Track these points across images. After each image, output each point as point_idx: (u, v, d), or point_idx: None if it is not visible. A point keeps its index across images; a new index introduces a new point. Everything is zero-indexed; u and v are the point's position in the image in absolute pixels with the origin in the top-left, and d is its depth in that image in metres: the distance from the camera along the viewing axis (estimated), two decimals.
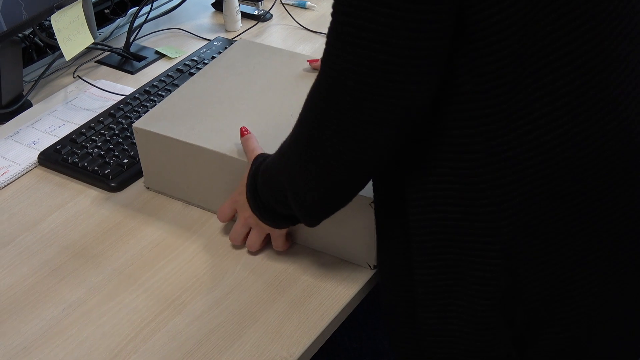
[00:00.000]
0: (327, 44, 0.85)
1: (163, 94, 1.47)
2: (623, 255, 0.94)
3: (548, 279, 0.92)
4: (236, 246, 1.17)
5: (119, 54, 1.64)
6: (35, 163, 1.35)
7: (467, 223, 0.91)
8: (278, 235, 1.13)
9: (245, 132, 1.15)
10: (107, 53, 1.65)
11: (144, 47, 1.67)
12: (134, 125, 1.22)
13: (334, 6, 0.83)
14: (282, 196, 1.00)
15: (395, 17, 0.79)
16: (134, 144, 1.33)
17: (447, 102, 0.87)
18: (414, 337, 1.02)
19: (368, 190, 1.03)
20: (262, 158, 1.07)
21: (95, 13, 1.61)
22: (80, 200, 1.27)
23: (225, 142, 1.16)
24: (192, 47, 1.66)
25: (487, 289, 0.92)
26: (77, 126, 1.42)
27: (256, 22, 1.74)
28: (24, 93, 1.51)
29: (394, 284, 1.02)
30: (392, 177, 0.97)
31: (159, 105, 1.25)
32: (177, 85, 1.49)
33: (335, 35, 0.83)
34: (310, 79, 1.26)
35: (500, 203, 0.89)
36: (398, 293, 1.02)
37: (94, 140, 1.36)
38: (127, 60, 1.63)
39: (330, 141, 0.89)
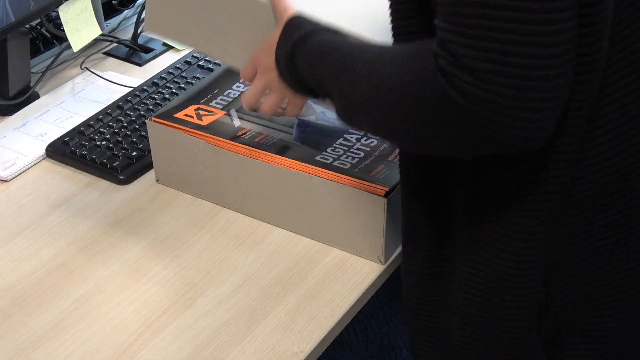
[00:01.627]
0: (442, 44, 0.72)
1: (171, 86, 1.46)
2: None
3: (582, 290, 0.90)
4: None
5: (126, 46, 1.63)
6: (43, 155, 1.34)
7: (506, 238, 0.87)
8: (299, 101, 1.00)
9: None
10: (114, 44, 1.64)
11: (151, 39, 1.66)
12: None
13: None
14: (329, 91, 0.89)
15: (527, 20, 0.70)
16: (143, 136, 1.32)
17: None
18: (437, 342, 1.00)
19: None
20: (303, 27, 0.91)
21: (102, 4, 1.60)
22: (88, 193, 1.26)
23: None
24: None
25: (524, 303, 0.90)
26: (84, 118, 1.41)
27: None
28: (31, 84, 1.51)
29: (422, 289, 1.00)
30: (434, 166, 0.91)
31: None
32: (186, 78, 1.48)
33: (460, 34, 0.71)
34: None
35: (542, 216, 0.85)
36: (424, 298, 0.99)
37: (102, 133, 1.35)
38: (135, 51, 1.62)
39: (407, 133, 0.80)
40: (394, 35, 0.88)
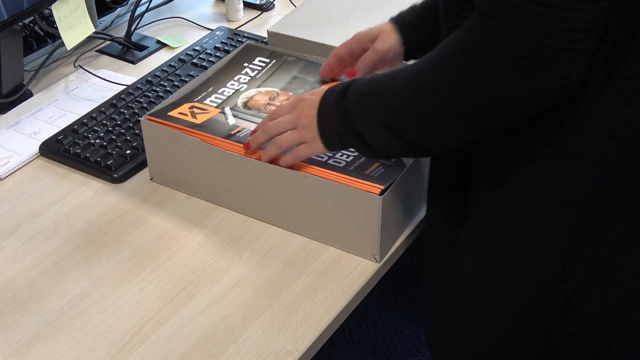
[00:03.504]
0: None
1: (165, 84, 1.46)
2: None
3: (610, 242, 0.93)
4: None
5: (120, 44, 1.63)
6: (36, 153, 1.34)
7: (547, 180, 0.91)
8: (310, 151, 1.07)
9: None
10: (108, 42, 1.64)
11: (145, 37, 1.66)
12: None
13: None
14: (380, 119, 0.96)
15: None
16: (137, 134, 1.32)
17: None
18: (453, 279, 1.04)
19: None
20: (345, 83, 1.02)
21: (95, 1, 1.59)
22: (82, 192, 1.26)
23: None
24: (194, 36, 1.65)
25: (553, 246, 0.94)
26: (78, 116, 1.40)
27: (260, 12, 1.73)
28: (25, 83, 1.50)
29: (441, 227, 1.04)
30: None
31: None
32: (180, 76, 1.48)
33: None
34: None
35: (581, 165, 0.89)
36: (442, 238, 1.04)
37: (96, 131, 1.34)
38: (129, 49, 1.62)
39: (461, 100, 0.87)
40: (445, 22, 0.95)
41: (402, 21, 1.20)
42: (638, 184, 0.91)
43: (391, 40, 1.19)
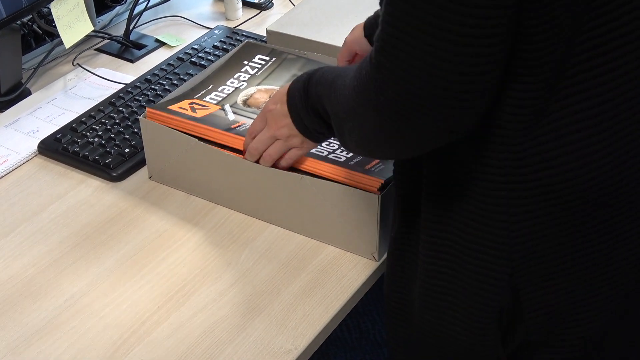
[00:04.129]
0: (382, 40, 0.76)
1: (164, 82, 1.45)
2: (634, 285, 0.90)
3: (552, 302, 0.88)
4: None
5: (118, 42, 1.62)
6: (35, 152, 1.33)
7: (479, 234, 0.86)
8: (300, 151, 1.08)
9: None
10: (106, 41, 1.64)
11: (143, 35, 1.65)
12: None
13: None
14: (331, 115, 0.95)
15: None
16: (136, 133, 1.32)
17: None
18: (408, 332, 1.00)
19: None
20: (307, 72, 1.01)
21: (94, 0, 1.59)
22: (81, 190, 1.26)
23: None
24: (192, 35, 1.65)
25: (486, 302, 0.89)
26: (77, 115, 1.40)
27: (259, 10, 1.72)
28: (23, 81, 1.50)
29: (399, 277, 1.00)
30: (416, 173, 0.92)
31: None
32: (178, 74, 1.47)
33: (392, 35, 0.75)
34: None
35: (514, 222, 0.84)
36: (400, 287, 1.00)
37: (95, 129, 1.34)
38: (127, 48, 1.62)
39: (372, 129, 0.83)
40: None
41: (374, 15, 1.23)
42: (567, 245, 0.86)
43: (358, 33, 1.23)
